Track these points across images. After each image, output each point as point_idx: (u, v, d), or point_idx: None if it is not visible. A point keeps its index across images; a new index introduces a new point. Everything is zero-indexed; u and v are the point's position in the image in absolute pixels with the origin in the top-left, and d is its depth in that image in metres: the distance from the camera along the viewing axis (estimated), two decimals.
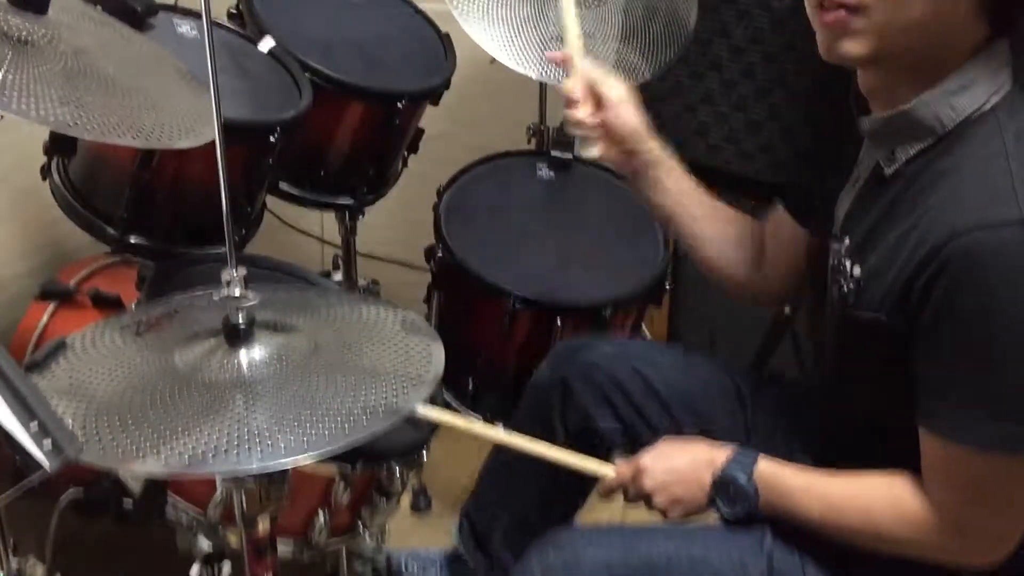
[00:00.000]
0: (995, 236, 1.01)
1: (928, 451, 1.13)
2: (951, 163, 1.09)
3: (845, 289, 1.19)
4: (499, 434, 1.46)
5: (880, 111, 1.17)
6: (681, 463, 1.31)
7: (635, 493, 1.33)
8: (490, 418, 1.85)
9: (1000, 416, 1.06)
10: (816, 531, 1.22)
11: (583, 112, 1.40)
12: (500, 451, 1.69)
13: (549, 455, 1.40)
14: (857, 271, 1.17)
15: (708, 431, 1.43)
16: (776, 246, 1.45)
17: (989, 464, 1.08)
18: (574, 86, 1.41)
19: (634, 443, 1.47)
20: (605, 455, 1.57)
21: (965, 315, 1.04)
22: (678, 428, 1.47)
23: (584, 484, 1.62)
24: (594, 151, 1.42)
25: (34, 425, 0.85)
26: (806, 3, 1.14)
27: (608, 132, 1.41)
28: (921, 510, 1.14)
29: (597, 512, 1.66)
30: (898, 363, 1.11)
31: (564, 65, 1.48)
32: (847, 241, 1.21)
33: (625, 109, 1.40)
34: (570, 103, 1.41)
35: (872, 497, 1.19)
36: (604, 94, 1.40)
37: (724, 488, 1.26)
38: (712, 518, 1.32)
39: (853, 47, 1.10)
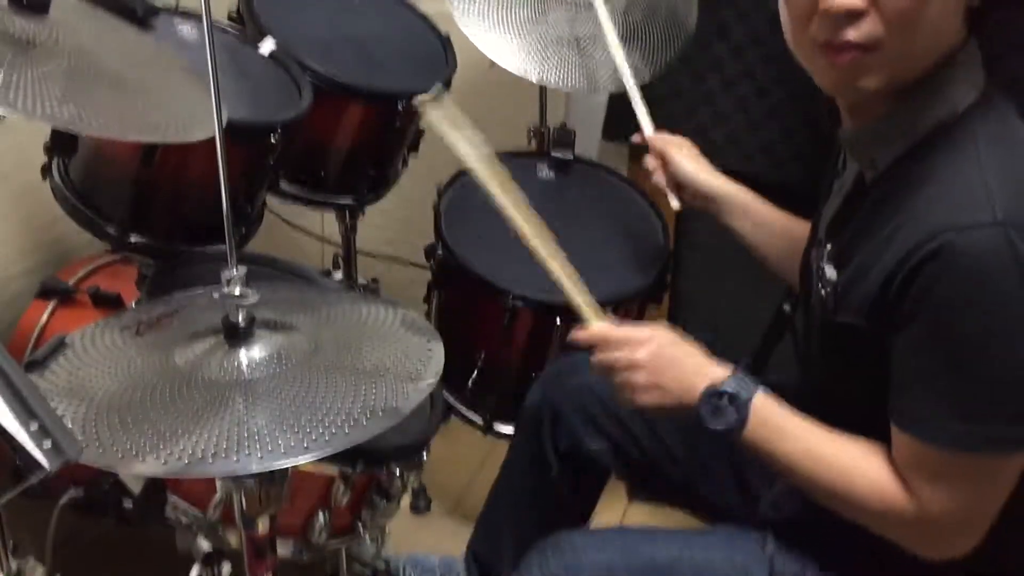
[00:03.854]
0: (968, 238, 1.02)
1: (897, 445, 1.13)
2: (926, 170, 1.10)
3: (824, 294, 1.19)
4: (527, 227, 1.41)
5: (856, 120, 1.18)
6: (684, 358, 1.26)
7: (622, 357, 1.26)
8: (489, 419, 1.85)
9: (964, 415, 1.06)
10: (794, 481, 1.20)
11: (658, 175, 1.67)
12: (503, 480, 1.69)
13: (558, 278, 1.38)
14: (837, 276, 1.17)
15: (695, 445, 1.43)
16: None
17: (953, 462, 1.08)
18: (649, 159, 1.69)
19: (624, 462, 1.49)
20: (596, 477, 1.58)
21: (935, 314, 1.04)
22: (665, 447, 1.48)
23: (587, 507, 1.63)
24: (674, 203, 1.68)
25: (34, 425, 0.85)
26: (796, 45, 1.14)
27: (673, 183, 1.65)
28: (896, 491, 1.14)
29: (597, 515, 1.67)
30: (879, 364, 1.12)
31: (644, 142, 1.73)
32: (829, 246, 1.21)
33: (680, 160, 1.64)
34: (648, 172, 1.69)
35: (856, 462, 1.16)
36: (666, 155, 1.66)
37: (716, 399, 1.21)
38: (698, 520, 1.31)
39: (870, 82, 1.09)
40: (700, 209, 1.66)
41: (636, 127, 1.77)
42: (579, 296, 1.36)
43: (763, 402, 1.21)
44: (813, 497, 1.19)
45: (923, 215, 1.06)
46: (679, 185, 1.66)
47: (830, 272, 1.19)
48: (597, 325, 1.33)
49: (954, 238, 1.02)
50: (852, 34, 1.06)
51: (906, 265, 1.05)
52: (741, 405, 1.20)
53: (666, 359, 1.25)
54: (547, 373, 1.62)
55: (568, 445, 1.53)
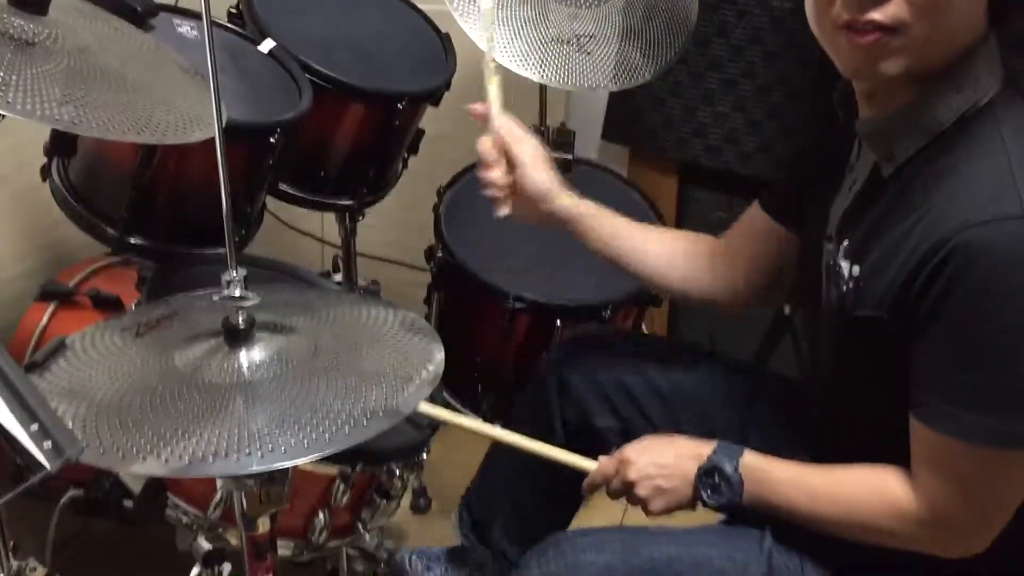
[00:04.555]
0: (997, 230, 1.01)
1: (917, 440, 1.13)
2: (950, 161, 1.09)
3: (844, 289, 1.18)
4: (488, 428, 1.46)
5: (876, 112, 1.17)
6: (666, 456, 1.32)
7: (619, 484, 1.33)
8: (489, 418, 1.85)
9: (989, 409, 1.06)
10: (803, 523, 1.22)
11: (495, 173, 1.42)
12: (501, 443, 1.69)
13: (536, 450, 1.41)
14: (856, 271, 1.17)
15: (709, 431, 1.43)
16: (749, 244, 1.46)
17: (974, 457, 1.08)
18: (488, 147, 1.42)
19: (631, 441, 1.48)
20: (602, 452, 1.58)
21: (961, 307, 1.04)
22: (678, 427, 1.47)
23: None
24: (504, 211, 1.43)
25: (34, 426, 0.85)
26: (818, 26, 1.12)
27: (519, 192, 1.43)
28: (905, 501, 1.15)
29: (598, 513, 1.67)
30: (897, 361, 1.11)
31: (482, 121, 1.45)
32: (845, 242, 1.21)
33: (534, 170, 1.42)
34: (483, 164, 1.42)
35: (857, 489, 1.19)
36: (514, 155, 1.42)
37: (709, 476, 1.26)
38: (696, 516, 1.32)
39: (891, 66, 1.08)
40: (542, 226, 1.48)
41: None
42: (565, 455, 1.40)
43: (752, 461, 1.26)
44: (833, 535, 1.20)
45: (947, 208, 1.06)
46: (518, 194, 1.44)
47: (847, 268, 1.18)
48: (592, 469, 1.37)
49: (981, 231, 1.02)
50: (876, 14, 1.04)
51: (932, 259, 1.04)
52: (732, 471, 1.25)
53: (652, 467, 1.31)
54: (564, 341, 1.61)
55: (576, 418, 1.52)
